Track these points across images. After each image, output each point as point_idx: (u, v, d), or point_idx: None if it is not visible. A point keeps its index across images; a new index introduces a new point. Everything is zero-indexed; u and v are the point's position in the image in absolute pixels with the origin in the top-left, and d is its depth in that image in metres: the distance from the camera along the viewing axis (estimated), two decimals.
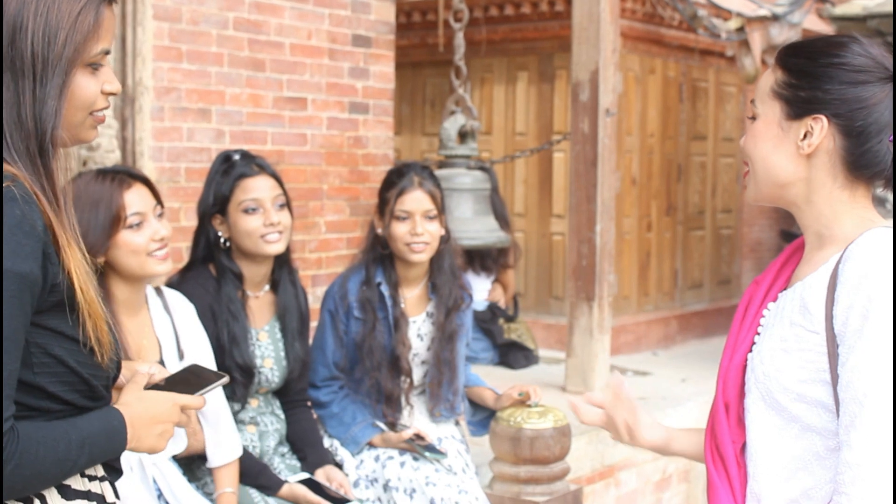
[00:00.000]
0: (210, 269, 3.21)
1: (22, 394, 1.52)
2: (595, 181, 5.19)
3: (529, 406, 3.53)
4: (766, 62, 7.02)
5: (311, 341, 3.46)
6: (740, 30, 7.07)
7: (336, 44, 5.10)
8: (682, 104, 8.31)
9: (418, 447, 3.33)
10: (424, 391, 3.57)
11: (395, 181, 3.46)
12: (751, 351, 1.80)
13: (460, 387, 3.58)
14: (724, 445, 1.80)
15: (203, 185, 3.29)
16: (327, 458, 3.32)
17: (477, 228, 4.94)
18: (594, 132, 5.18)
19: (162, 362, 2.83)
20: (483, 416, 3.70)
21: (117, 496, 1.69)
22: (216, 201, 3.20)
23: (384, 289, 3.46)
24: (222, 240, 3.20)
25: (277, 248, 3.19)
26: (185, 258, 3.40)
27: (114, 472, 1.69)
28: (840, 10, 7.68)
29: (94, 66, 1.62)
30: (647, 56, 7.84)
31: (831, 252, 1.74)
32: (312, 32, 5.00)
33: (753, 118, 1.81)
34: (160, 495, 2.81)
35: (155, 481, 2.82)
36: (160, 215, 2.82)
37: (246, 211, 3.17)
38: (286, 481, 3.12)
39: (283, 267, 3.30)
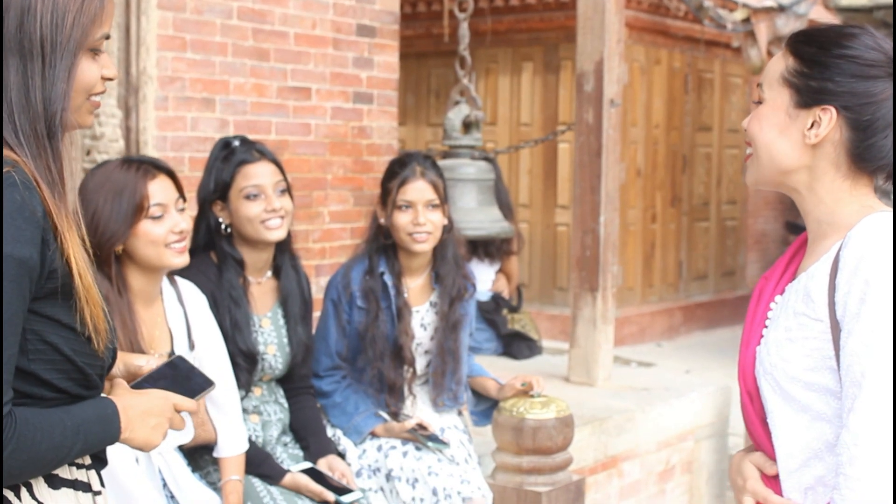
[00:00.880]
0: (211, 256, 3.21)
1: (16, 380, 1.51)
2: (599, 172, 5.18)
3: (532, 396, 3.53)
4: (772, 53, 6.99)
5: (314, 329, 3.46)
6: (746, 21, 7.05)
7: (340, 33, 5.09)
8: (687, 95, 8.29)
9: (421, 437, 3.33)
10: (427, 381, 3.56)
11: (397, 171, 3.46)
12: (759, 344, 1.81)
13: (463, 377, 3.58)
14: (756, 435, 1.82)
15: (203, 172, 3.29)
16: (330, 448, 3.31)
17: (481, 219, 4.93)
18: (599, 123, 5.16)
19: (172, 353, 2.83)
20: (486, 406, 3.70)
21: (102, 484, 1.69)
22: (217, 188, 3.20)
23: (387, 278, 3.45)
24: (223, 226, 3.20)
25: (279, 234, 3.19)
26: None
27: (99, 461, 1.69)
28: (846, 0, 7.65)
29: (95, 51, 1.62)
30: (652, 47, 7.82)
31: (833, 241, 1.74)
32: (317, 22, 4.99)
33: (760, 102, 1.81)
34: (164, 485, 2.82)
35: (160, 471, 2.82)
36: (182, 209, 2.83)
37: (248, 197, 3.16)
38: (288, 471, 3.12)
39: (284, 253, 3.30)
